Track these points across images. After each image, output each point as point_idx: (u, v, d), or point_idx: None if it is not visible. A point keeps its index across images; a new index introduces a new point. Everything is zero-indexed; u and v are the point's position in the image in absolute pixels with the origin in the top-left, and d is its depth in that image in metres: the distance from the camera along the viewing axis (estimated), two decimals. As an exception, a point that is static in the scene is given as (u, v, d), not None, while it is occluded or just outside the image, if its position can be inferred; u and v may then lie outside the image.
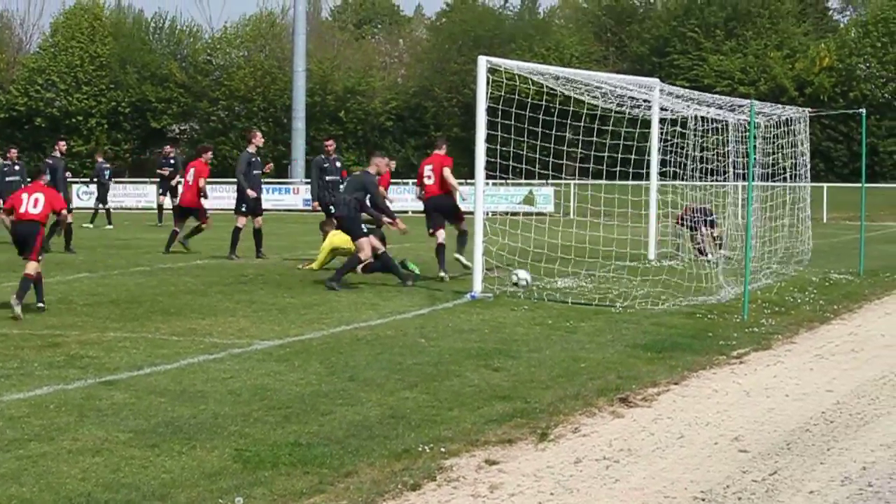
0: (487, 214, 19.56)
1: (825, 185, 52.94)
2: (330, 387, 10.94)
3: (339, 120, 77.82)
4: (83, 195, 59.88)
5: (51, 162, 28.22)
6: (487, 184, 20.66)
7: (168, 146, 43.40)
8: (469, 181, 23.12)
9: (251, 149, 25.79)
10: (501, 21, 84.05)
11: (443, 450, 8.73)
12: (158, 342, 13.50)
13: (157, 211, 42.44)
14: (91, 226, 38.33)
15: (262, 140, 26.22)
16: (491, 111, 18.77)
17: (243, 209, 25.25)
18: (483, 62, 18.57)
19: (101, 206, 40.03)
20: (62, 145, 30.69)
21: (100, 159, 41.85)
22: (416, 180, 22.40)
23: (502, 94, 19.09)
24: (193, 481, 7.81)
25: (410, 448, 8.72)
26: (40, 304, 16.48)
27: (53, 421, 9.40)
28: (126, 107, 79.68)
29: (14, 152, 31.03)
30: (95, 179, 40.84)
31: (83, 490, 7.58)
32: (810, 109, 25.47)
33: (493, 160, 19.14)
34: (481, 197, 18.70)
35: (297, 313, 16.16)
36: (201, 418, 9.56)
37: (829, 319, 16.85)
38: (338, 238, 21.62)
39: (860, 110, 25.52)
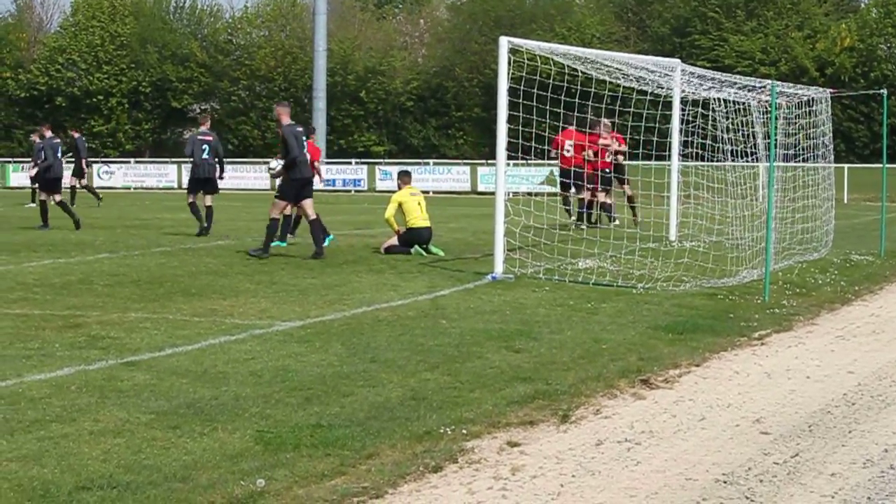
0: (508, 195, 19.55)
1: (846, 165, 52.74)
2: (351, 368, 10.95)
3: (359, 100, 77.82)
4: (104, 175, 60.04)
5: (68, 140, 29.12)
6: (509, 164, 20.59)
7: (75, 131, 43.25)
8: (490, 161, 23.14)
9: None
10: (522, 1, 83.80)
11: (464, 431, 8.72)
12: (179, 323, 13.53)
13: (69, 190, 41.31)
14: (34, 205, 38.16)
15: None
16: (512, 91, 18.71)
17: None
18: (504, 42, 18.53)
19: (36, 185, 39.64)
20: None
21: (37, 139, 41.62)
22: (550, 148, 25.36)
23: (523, 74, 19.00)
24: (215, 463, 7.82)
25: (432, 430, 8.71)
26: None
27: (74, 402, 9.42)
28: (147, 86, 79.90)
29: None
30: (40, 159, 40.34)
31: (104, 471, 7.59)
32: (831, 90, 25.32)
33: (514, 140, 19.12)
34: (503, 177, 18.66)
35: (318, 294, 16.18)
36: (222, 399, 9.57)
37: (850, 301, 16.78)
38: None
39: (881, 91, 25.36)
